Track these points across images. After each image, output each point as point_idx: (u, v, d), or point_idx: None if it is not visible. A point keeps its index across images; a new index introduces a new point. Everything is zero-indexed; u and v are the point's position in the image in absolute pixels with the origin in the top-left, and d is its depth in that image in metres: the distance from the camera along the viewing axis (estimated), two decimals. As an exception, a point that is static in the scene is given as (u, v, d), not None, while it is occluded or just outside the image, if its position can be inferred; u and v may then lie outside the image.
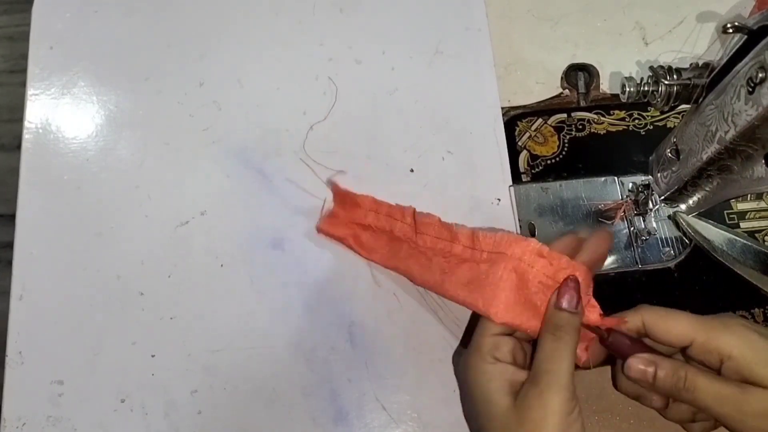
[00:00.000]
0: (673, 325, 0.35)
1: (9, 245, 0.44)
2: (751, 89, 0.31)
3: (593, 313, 0.36)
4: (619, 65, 0.52)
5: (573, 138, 0.50)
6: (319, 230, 0.45)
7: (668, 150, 0.42)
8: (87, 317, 0.43)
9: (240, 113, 0.49)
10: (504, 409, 0.34)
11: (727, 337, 0.34)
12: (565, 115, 0.50)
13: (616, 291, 0.45)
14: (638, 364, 0.34)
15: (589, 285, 0.37)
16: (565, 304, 0.35)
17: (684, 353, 0.36)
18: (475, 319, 0.39)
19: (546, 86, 0.52)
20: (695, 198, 0.43)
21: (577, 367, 0.35)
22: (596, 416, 0.42)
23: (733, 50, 0.34)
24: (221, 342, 0.43)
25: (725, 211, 0.48)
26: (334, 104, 0.49)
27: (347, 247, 0.45)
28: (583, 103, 0.51)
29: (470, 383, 0.36)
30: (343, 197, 0.45)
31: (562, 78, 0.52)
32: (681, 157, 0.41)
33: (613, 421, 0.42)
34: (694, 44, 0.52)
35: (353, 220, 0.44)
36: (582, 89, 0.52)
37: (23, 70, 0.49)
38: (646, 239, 0.46)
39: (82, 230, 0.45)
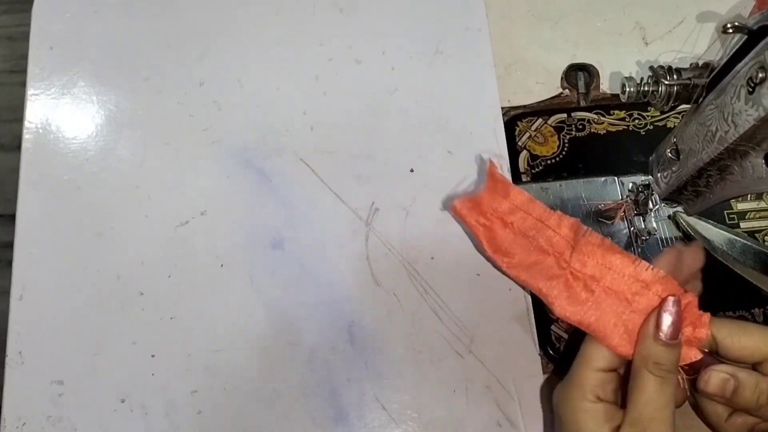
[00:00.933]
0: (747, 339, 0.32)
1: (9, 245, 0.44)
2: (751, 89, 0.31)
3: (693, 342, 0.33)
4: (619, 65, 0.52)
5: (573, 138, 0.50)
6: (454, 208, 0.42)
7: (668, 150, 0.42)
8: (87, 317, 0.43)
9: (240, 113, 0.49)
10: None
11: None
12: (565, 115, 0.50)
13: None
14: (717, 378, 0.32)
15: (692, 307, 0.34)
16: (666, 334, 0.32)
17: (755, 368, 0.34)
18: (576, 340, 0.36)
19: (546, 86, 0.52)
20: (695, 198, 0.43)
21: None
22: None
23: (733, 50, 0.33)
24: (221, 342, 0.43)
25: (725, 211, 0.48)
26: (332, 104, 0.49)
27: (475, 235, 0.41)
28: (583, 103, 0.51)
29: (568, 420, 0.34)
30: (495, 183, 0.41)
31: (562, 78, 0.52)
32: (681, 157, 0.41)
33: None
34: (694, 44, 0.52)
35: (495, 212, 0.40)
36: (582, 89, 0.52)
37: (23, 70, 0.49)
38: (646, 239, 0.46)
39: (82, 230, 0.45)
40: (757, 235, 0.47)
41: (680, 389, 0.34)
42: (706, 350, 0.34)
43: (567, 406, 0.34)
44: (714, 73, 0.36)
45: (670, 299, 0.32)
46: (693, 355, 0.33)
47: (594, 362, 0.34)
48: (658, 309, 0.32)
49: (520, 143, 0.50)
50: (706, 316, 0.34)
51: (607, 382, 0.33)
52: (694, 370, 0.33)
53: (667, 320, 0.32)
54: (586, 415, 0.33)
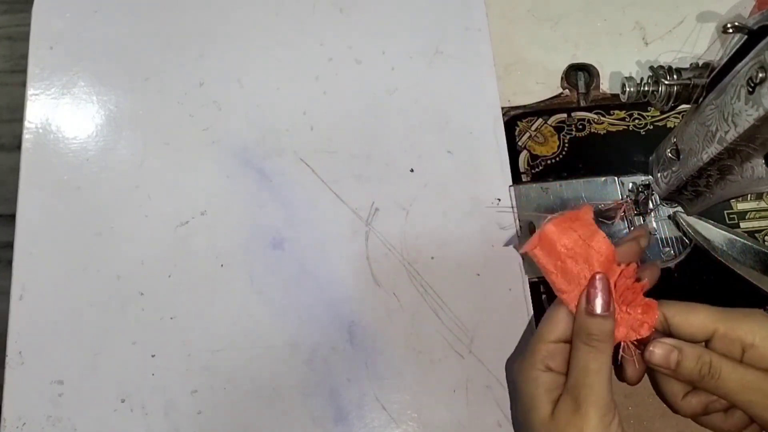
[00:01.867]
0: (695, 317, 0.34)
1: (9, 245, 0.44)
2: (751, 89, 0.31)
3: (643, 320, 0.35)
4: (619, 65, 0.52)
5: (573, 138, 0.50)
6: (533, 254, 0.37)
7: (668, 150, 0.42)
8: (87, 317, 0.43)
9: (240, 113, 0.49)
10: (545, 419, 0.34)
11: (750, 326, 0.33)
12: (565, 115, 0.50)
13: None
14: (661, 349, 0.34)
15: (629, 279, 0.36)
16: (597, 308, 0.34)
17: (706, 346, 0.35)
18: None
19: (546, 86, 0.51)
20: (695, 198, 0.43)
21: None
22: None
23: (733, 50, 0.33)
24: (221, 342, 0.43)
25: (725, 211, 0.48)
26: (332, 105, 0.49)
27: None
28: (583, 103, 0.51)
29: (518, 388, 0.36)
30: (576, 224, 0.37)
31: (562, 78, 0.52)
32: (681, 157, 0.40)
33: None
34: (694, 44, 0.52)
35: (566, 249, 0.36)
36: (582, 89, 0.52)
37: (23, 70, 0.49)
38: (646, 239, 0.46)
39: (82, 230, 0.45)
40: (757, 235, 0.47)
41: (635, 367, 0.36)
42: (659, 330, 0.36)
43: (520, 374, 0.36)
44: (714, 73, 0.36)
45: (597, 276, 0.35)
46: (644, 331, 0.35)
47: (546, 335, 0.36)
48: (587, 285, 0.35)
49: (520, 143, 0.50)
50: (655, 301, 0.36)
51: (557, 353, 0.35)
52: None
53: (594, 294, 0.34)
54: (536, 383, 0.35)
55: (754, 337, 0.33)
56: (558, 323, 0.36)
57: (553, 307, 0.37)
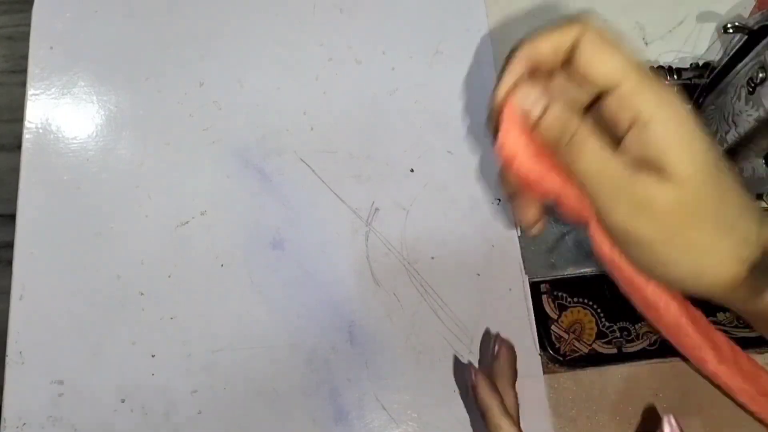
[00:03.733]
0: (608, 60, 0.28)
1: (9, 245, 0.44)
2: (751, 89, 0.31)
3: None
4: (619, 65, 0.52)
5: (573, 138, 0.50)
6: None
7: (668, 150, 0.42)
8: (87, 317, 0.43)
9: (240, 113, 0.49)
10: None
11: (657, 101, 0.27)
12: (565, 115, 0.50)
13: (616, 291, 0.45)
14: (527, 94, 0.29)
15: None
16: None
17: (599, 99, 0.29)
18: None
19: (546, 86, 0.51)
20: (695, 198, 0.43)
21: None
22: (597, 416, 0.42)
23: (733, 50, 0.34)
24: (221, 342, 0.43)
25: (725, 211, 0.48)
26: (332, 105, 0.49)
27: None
28: (583, 103, 0.51)
29: None
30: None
31: (562, 78, 0.52)
32: (681, 157, 0.40)
33: (613, 421, 0.42)
34: (694, 44, 0.52)
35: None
36: (582, 89, 0.52)
37: (23, 70, 0.49)
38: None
39: (82, 230, 0.45)
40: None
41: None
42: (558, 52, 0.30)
43: None
44: (714, 73, 0.36)
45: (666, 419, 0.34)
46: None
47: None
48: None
49: (520, 143, 0.49)
50: None
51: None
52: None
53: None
54: None
55: (653, 117, 0.27)
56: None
57: None
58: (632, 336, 0.44)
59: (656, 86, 0.28)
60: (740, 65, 0.33)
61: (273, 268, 0.45)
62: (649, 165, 0.27)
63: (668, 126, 0.27)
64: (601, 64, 0.29)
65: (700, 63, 0.37)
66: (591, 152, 0.28)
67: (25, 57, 0.49)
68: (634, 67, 0.28)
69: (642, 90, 0.28)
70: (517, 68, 0.31)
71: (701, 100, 0.37)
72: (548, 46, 0.30)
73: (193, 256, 0.45)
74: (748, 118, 0.32)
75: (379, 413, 0.42)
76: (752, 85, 0.31)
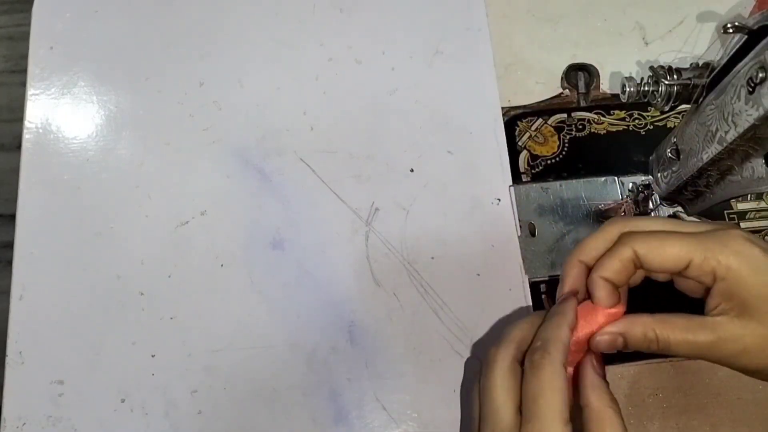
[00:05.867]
0: (669, 251, 0.32)
1: (9, 245, 0.44)
2: (751, 89, 0.31)
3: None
4: (619, 65, 0.52)
5: (573, 138, 0.50)
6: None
7: (668, 150, 0.42)
8: (87, 317, 0.43)
9: (240, 113, 0.49)
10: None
11: (724, 256, 0.31)
12: (565, 115, 0.50)
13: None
14: (606, 337, 0.32)
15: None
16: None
17: (681, 274, 0.33)
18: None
19: (546, 86, 0.52)
20: (695, 198, 0.43)
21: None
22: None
23: (733, 50, 0.33)
24: (221, 342, 0.43)
25: (725, 211, 0.48)
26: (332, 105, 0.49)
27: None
28: (583, 103, 0.51)
29: None
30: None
31: (562, 78, 0.52)
32: (681, 157, 0.40)
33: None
34: (694, 44, 0.52)
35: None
36: (582, 89, 0.52)
37: (23, 70, 0.49)
38: (646, 239, 0.46)
39: (82, 230, 0.45)
40: (757, 235, 0.47)
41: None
42: (634, 265, 0.33)
43: None
44: (714, 73, 0.36)
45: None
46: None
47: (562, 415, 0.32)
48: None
49: (520, 143, 0.50)
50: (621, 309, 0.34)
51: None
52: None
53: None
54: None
55: (727, 270, 0.31)
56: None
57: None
58: (632, 336, 0.44)
59: (720, 245, 0.31)
60: (740, 65, 0.33)
61: (273, 268, 0.45)
62: (734, 308, 0.31)
63: (744, 276, 0.31)
64: (664, 261, 0.32)
65: (700, 63, 0.37)
66: (676, 343, 0.31)
67: (25, 57, 0.49)
68: (692, 242, 0.32)
69: (710, 255, 0.31)
70: (573, 271, 0.35)
71: (701, 100, 0.37)
72: (596, 246, 0.34)
73: (193, 256, 0.45)
74: (747, 118, 0.32)
75: (379, 413, 0.42)
76: (752, 85, 0.31)
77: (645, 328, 0.32)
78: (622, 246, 0.33)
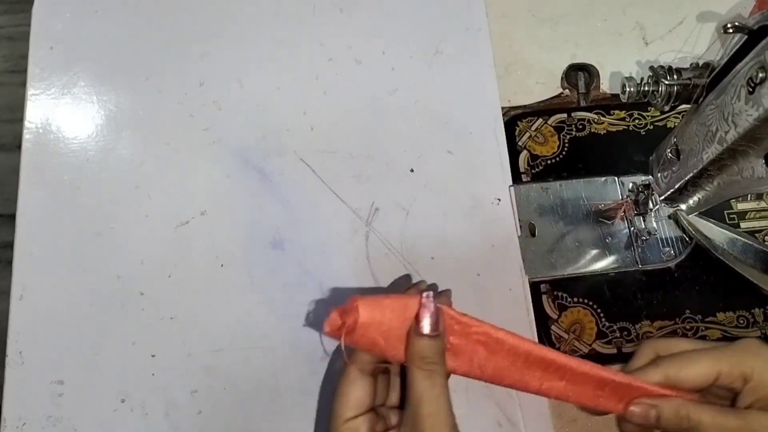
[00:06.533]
0: (695, 370, 0.34)
1: (9, 245, 0.44)
2: (751, 89, 0.31)
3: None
4: (619, 65, 0.52)
5: (573, 138, 0.50)
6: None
7: (668, 150, 0.42)
8: (87, 317, 0.43)
9: (240, 113, 0.49)
10: None
11: (749, 360, 0.34)
12: (565, 115, 0.50)
13: (616, 291, 0.45)
14: (640, 409, 0.35)
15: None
16: (426, 329, 0.33)
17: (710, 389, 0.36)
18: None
19: (546, 86, 0.52)
20: (695, 198, 0.43)
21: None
22: (597, 417, 0.42)
23: (733, 50, 0.33)
24: (221, 342, 0.43)
25: (725, 211, 0.48)
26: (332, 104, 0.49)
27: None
28: (583, 103, 0.51)
29: None
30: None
31: (562, 78, 0.52)
32: (681, 157, 0.40)
33: (613, 422, 0.42)
34: (694, 44, 0.52)
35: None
36: (582, 89, 0.52)
37: (23, 70, 0.49)
38: (647, 239, 0.46)
39: (82, 230, 0.45)
40: (757, 235, 0.47)
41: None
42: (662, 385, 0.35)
43: None
44: (714, 73, 0.36)
45: (425, 295, 0.33)
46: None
47: (342, 413, 0.34)
48: (419, 311, 0.33)
49: (520, 143, 0.50)
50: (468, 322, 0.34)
51: (361, 425, 0.34)
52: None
53: (423, 315, 0.33)
54: None
55: (752, 371, 0.34)
56: (350, 396, 0.34)
57: (342, 383, 0.35)
58: (632, 336, 0.44)
59: (742, 351, 0.34)
60: (740, 65, 0.33)
61: (273, 268, 0.45)
62: (760, 401, 0.33)
63: (766, 373, 0.33)
64: (693, 380, 0.34)
65: (700, 63, 0.37)
66: (708, 424, 0.33)
67: (25, 57, 0.49)
68: (717, 356, 0.34)
69: (736, 362, 0.34)
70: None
71: (701, 100, 0.37)
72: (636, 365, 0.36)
73: (193, 256, 0.45)
74: (747, 118, 0.32)
75: (379, 413, 0.42)
76: (752, 85, 0.31)
77: (679, 406, 0.34)
78: (653, 368, 0.35)
